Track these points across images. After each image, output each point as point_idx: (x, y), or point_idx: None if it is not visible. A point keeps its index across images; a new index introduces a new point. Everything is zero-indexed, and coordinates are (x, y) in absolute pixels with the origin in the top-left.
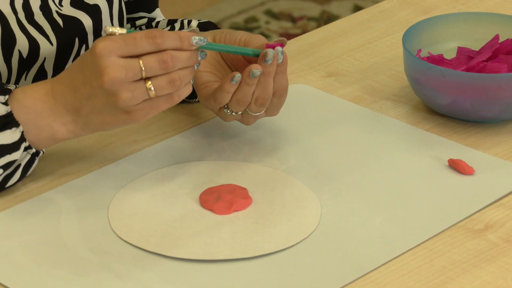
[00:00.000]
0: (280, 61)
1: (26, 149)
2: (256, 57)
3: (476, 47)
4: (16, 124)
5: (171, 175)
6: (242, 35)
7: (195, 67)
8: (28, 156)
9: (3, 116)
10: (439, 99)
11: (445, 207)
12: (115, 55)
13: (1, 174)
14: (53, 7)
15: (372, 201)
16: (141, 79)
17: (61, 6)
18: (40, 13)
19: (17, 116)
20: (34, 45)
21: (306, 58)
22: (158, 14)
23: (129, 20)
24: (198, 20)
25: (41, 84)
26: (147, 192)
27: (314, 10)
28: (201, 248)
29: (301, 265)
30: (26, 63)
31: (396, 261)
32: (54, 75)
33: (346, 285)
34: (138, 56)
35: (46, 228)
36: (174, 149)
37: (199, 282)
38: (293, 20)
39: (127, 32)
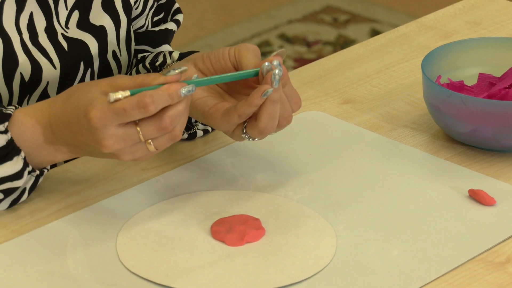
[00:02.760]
0: (278, 78)
1: (29, 172)
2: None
3: (498, 73)
4: (17, 152)
5: (181, 205)
6: (228, 51)
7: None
8: (33, 179)
9: (3, 147)
10: (460, 127)
11: (465, 239)
12: (111, 126)
13: (2, 198)
14: (59, 30)
15: (389, 233)
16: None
17: (67, 28)
18: (45, 35)
19: (18, 144)
20: (36, 68)
21: (321, 84)
22: (165, 50)
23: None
24: (180, 52)
25: (39, 115)
26: (156, 222)
27: (330, 34)
28: (212, 280)
29: None
30: (28, 86)
31: None
32: None
33: None
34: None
35: (52, 259)
36: (184, 178)
37: None
38: (308, 44)
39: (131, 93)
